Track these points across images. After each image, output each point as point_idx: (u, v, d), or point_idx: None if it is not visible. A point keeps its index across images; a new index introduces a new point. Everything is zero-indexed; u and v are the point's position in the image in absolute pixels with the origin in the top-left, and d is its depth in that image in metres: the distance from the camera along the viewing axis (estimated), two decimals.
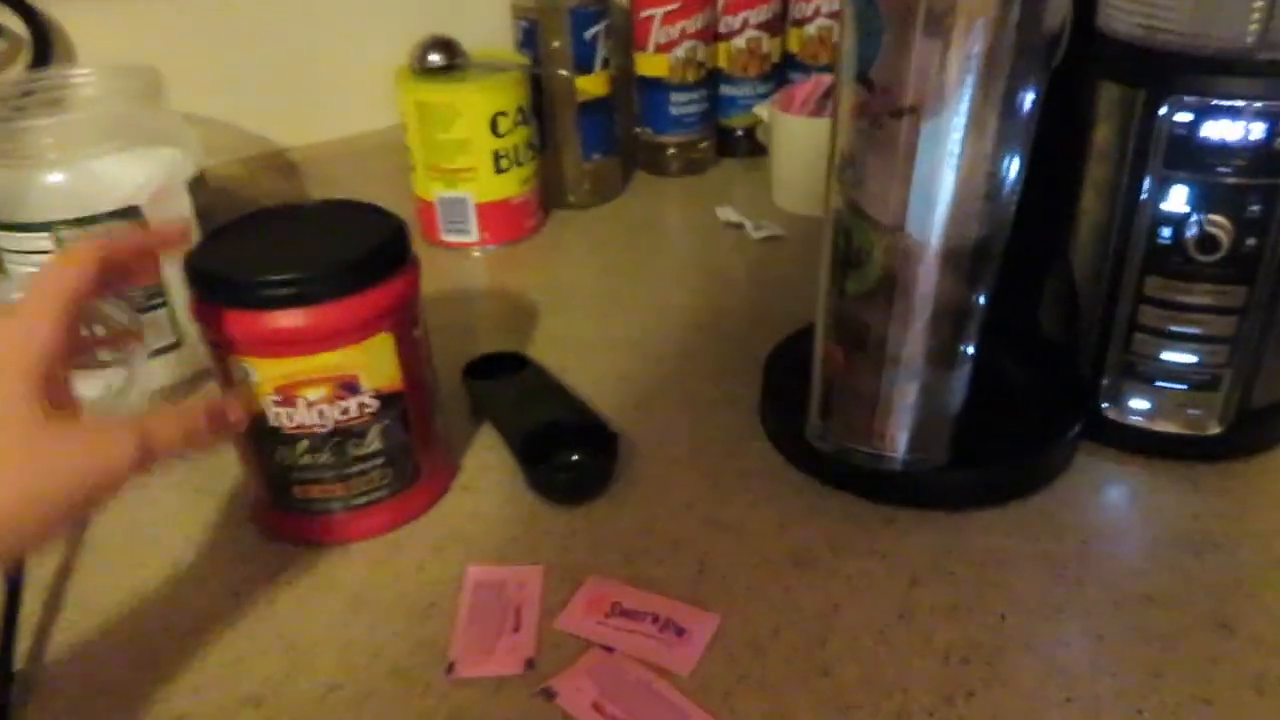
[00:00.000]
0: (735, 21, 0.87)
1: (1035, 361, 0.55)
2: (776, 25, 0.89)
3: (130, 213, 0.58)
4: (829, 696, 0.40)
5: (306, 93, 0.81)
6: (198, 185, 0.63)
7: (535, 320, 0.68)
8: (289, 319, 0.43)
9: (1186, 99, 0.44)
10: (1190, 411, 0.50)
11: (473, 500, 0.52)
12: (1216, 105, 0.43)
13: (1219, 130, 0.44)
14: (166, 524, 0.51)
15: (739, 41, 0.88)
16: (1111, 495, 0.50)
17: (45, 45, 0.69)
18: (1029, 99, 0.42)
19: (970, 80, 0.41)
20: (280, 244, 0.46)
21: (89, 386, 0.58)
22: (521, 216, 0.80)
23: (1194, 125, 0.44)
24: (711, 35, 0.87)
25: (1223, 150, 0.44)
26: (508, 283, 0.74)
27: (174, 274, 0.60)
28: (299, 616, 0.45)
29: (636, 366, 0.62)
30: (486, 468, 0.54)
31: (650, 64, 0.86)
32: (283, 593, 0.46)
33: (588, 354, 0.64)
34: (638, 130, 0.91)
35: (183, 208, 0.61)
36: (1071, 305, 0.52)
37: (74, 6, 0.70)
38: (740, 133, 0.93)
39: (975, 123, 0.42)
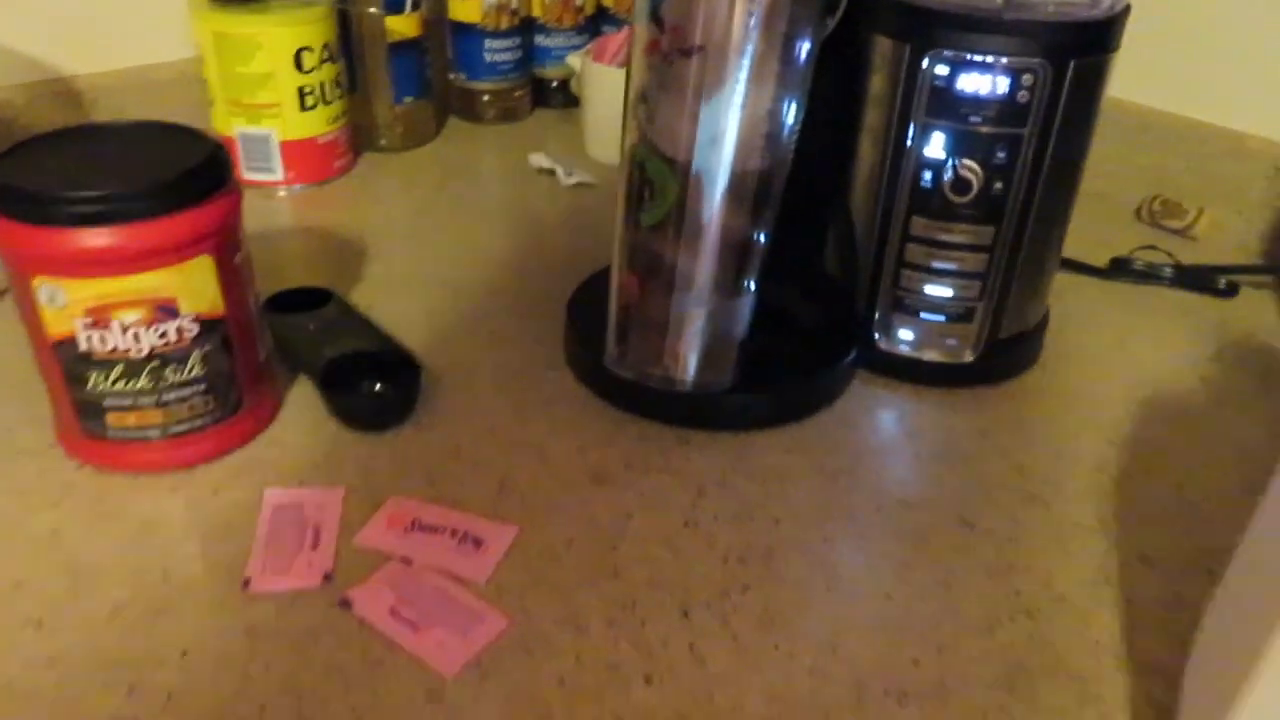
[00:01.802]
0: None
1: (818, 297, 0.59)
2: None
3: None
4: (617, 595, 0.42)
5: (94, 17, 0.76)
6: None
7: (342, 260, 0.68)
8: (100, 237, 0.41)
9: (945, 53, 0.49)
10: (949, 341, 0.56)
11: (273, 430, 0.51)
12: (970, 60, 0.48)
13: (972, 83, 0.49)
14: None
15: None
16: (881, 416, 0.55)
17: None
18: (805, 48, 0.46)
19: (753, 25, 0.44)
20: (90, 162, 0.44)
21: None
22: (329, 156, 0.78)
23: (951, 77, 0.49)
24: None
25: (975, 101, 0.49)
26: (314, 222, 0.73)
27: None
28: (86, 541, 0.44)
29: (444, 304, 0.63)
30: (290, 401, 0.53)
31: (463, 8, 0.86)
32: (68, 520, 0.45)
33: (395, 292, 0.64)
34: (452, 76, 0.91)
35: None
36: (849, 245, 0.57)
37: None
38: (555, 84, 0.94)
39: (757, 65, 0.45)
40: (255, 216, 0.73)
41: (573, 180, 0.79)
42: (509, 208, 0.77)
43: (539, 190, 0.79)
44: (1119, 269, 0.69)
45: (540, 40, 0.92)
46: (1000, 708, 0.38)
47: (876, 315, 0.56)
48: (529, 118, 0.94)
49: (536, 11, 0.90)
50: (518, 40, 0.89)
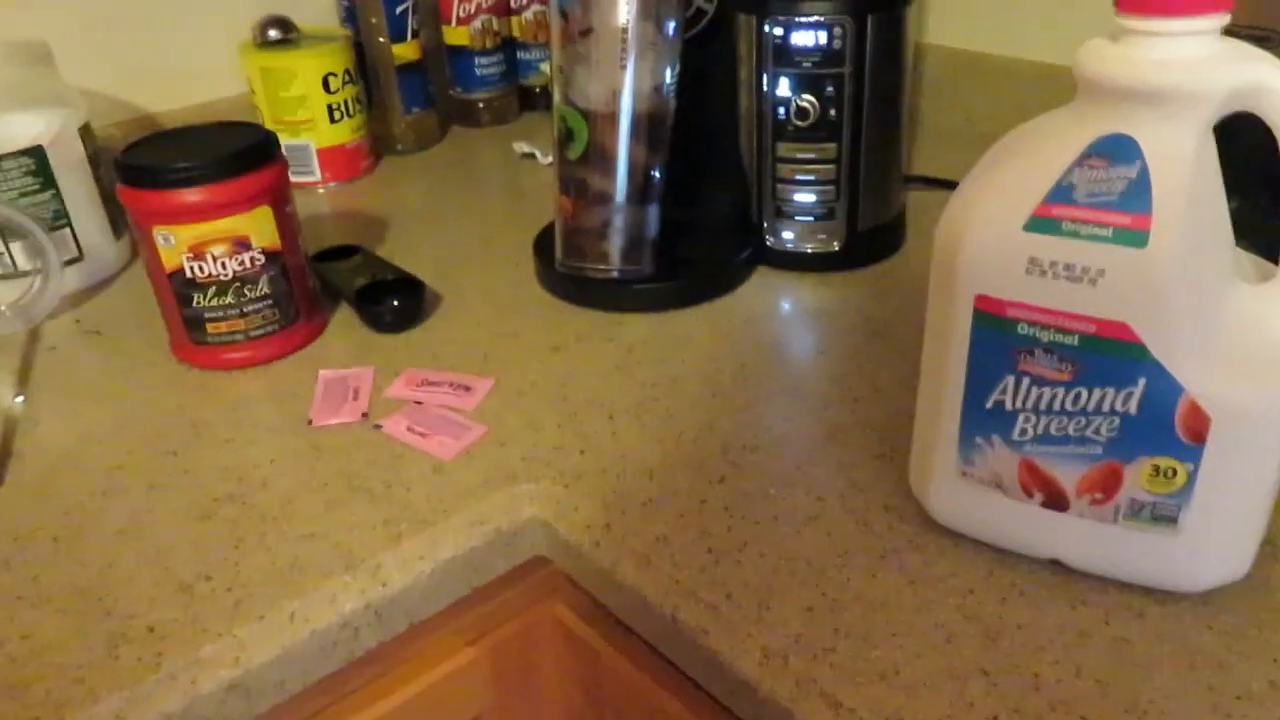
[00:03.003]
0: None
1: (722, 211, 0.77)
2: None
3: (35, 152, 0.75)
4: (564, 409, 0.61)
5: (168, 67, 0.98)
6: (87, 133, 0.80)
7: (369, 230, 0.88)
8: (195, 195, 0.62)
9: (779, 18, 0.67)
10: (819, 236, 0.73)
11: (323, 337, 0.71)
12: (797, 21, 0.67)
13: (800, 38, 0.67)
14: (97, 365, 0.69)
15: (528, 14, 1.09)
16: (770, 296, 0.73)
17: None
18: (673, 23, 0.65)
19: (630, 11, 0.63)
20: (183, 148, 0.65)
21: (12, 290, 0.76)
22: (356, 159, 0.99)
23: (785, 36, 0.67)
24: (504, 9, 1.08)
25: (804, 51, 0.67)
26: (347, 209, 0.93)
27: (75, 200, 0.78)
28: (201, 410, 0.64)
29: (446, 252, 0.82)
30: (334, 321, 0.73)
31: (455, 34, 1.07)
32: (189, 400, 0.65)
33: (409, 247, 0.84)
34: (452, 90, 1.11)
35: (78, 149, 0.78)
36: (740, 169, 0.75)
37: None
38: (538, 90, 1.14)
39: (638, 39, 0.64)
40: (302, 209, 0.93)
41: (548, 160, 0.99)
42: (498, 185, 0.97)
43: (523, 170, 0.99)
44: None
45: (521, 55, 1.12)
46: (821, 449, 0.56)
47: (764, 221, 0.74)
48: (517, 119, 1.13)
49: (516, 32, 1.10)
50: (502, 56, 1.09)
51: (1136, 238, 0.37)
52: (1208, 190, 0.39)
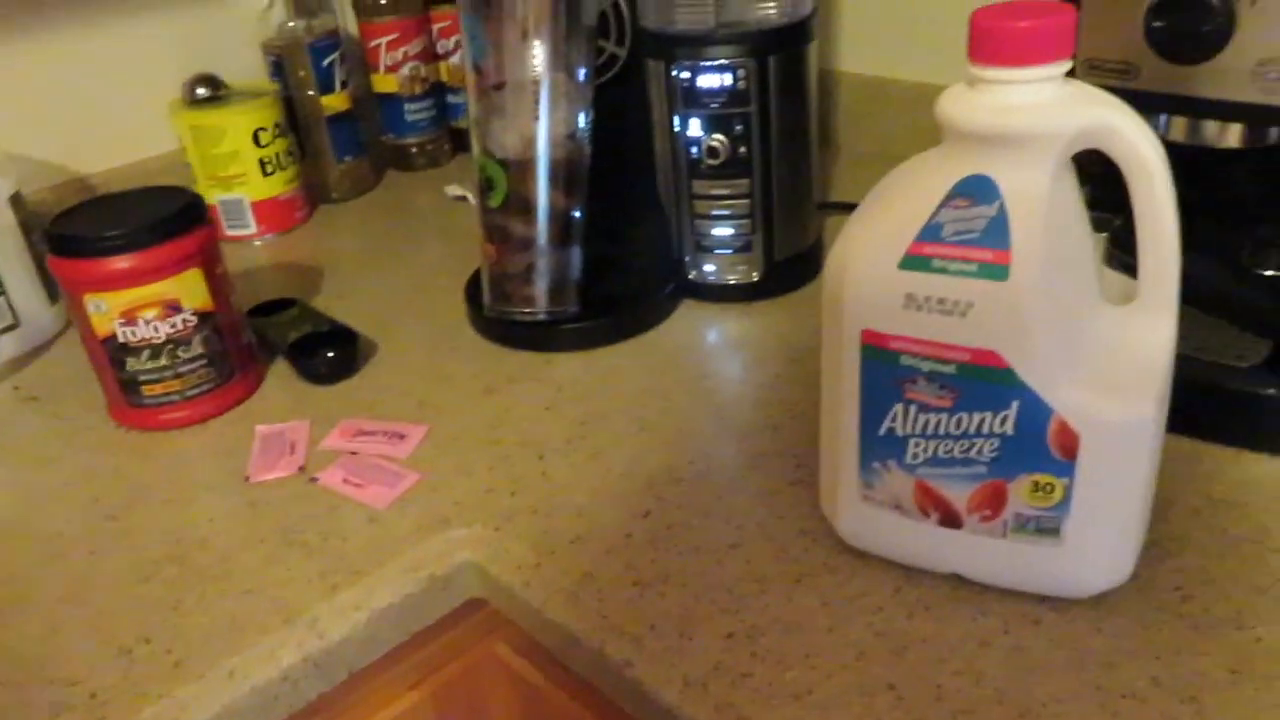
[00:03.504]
0: (449, 44, 1.11)
1: (643, 246, 0.80)
2: None
3: None
4: (495, 453, 0.63)
5: (97, 127, 0.99)
6: (17, 201, 0.81)
7: (305, 282, 0.89)
8: (125, 262, 0.63)
9: (685, 63, 0.70)
10: (739, 268, 0.76)
11: (259, 392, 0.72)
12: (702, 65, 0.69)
13: (706, 80, 0.70)
14: (35, 430, 0.70)
15: (454, 60, 1.11)
16: (695, 327, 0.75)
17: None
18: (583, 71, 0.67)
19: (539, 64, 0.66)
20: (112, 215, 0.66)
21: None
22: (290, 210, 1.00)
23: (692, 79, 0.70)
24: (431, 55, 1.10)
25: (711, 93, 0.70)
26: (283, 261, 0.95)
27: (8, 267, 0.79)
28: (139, 472, 0.65)
29: (382, 301, 0.84)
30: (270, 375, 0.74)
31: (384, 82, 1.09)
32: (125, 462, 0.66)
33: (344, 296, 0.85)
34: (384, 136, 1.13)
35: (8, 217, 0.79)
36: (659, 207, 0.77)
37: None
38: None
39: (550, 88, 0.66)
40: (238, 262, 0.95)
41: None
42: (432, 229, 0.99)
43: (456, 212, 1.01)
44: None
45: (451, 98, 1.14)
46: (743, 478, 0.58)
47: (686, 255, 0.77)
48: (451, 161, 1.15)
49: (445, 76, 1.13)
50: (432, 101, 1.11)
51: (998, 271, 0.40)
52: (1066, 221, 0.42)
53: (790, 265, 0.77)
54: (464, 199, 1.02)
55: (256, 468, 0.64)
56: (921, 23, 0.99)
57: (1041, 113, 0.40)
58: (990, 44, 0.40)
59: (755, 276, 0.76)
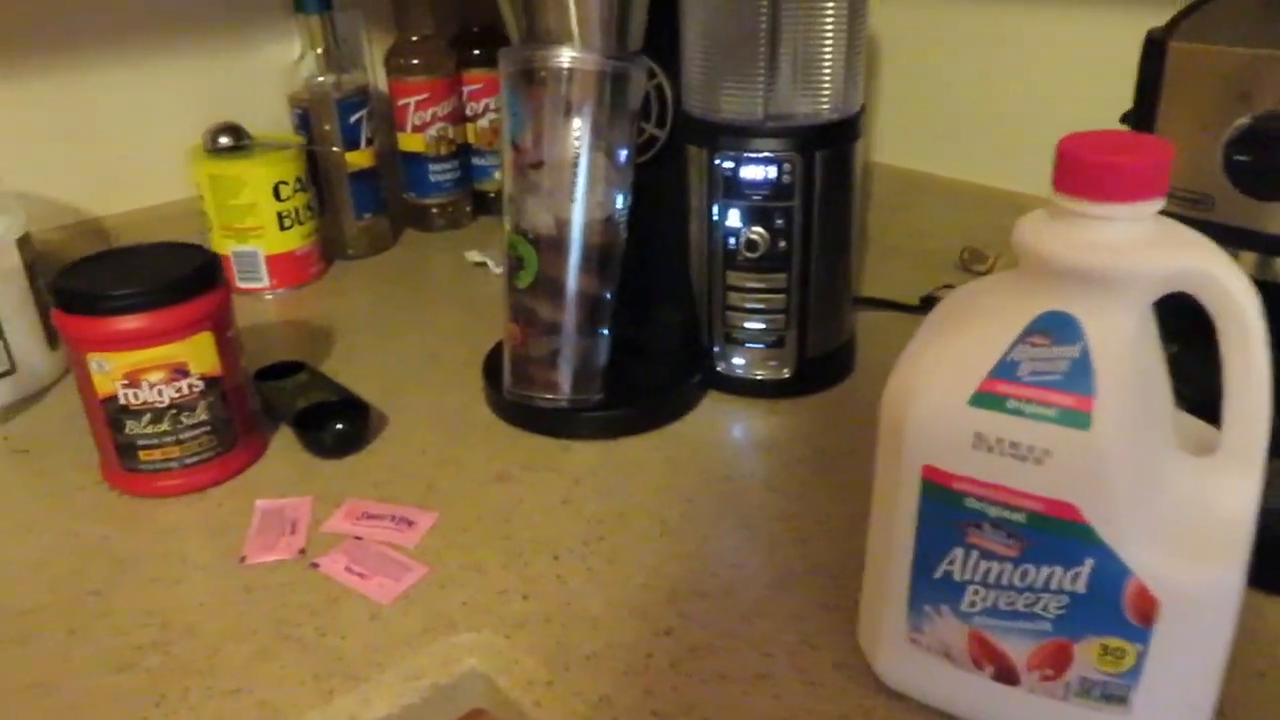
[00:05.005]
0: (479, 106, 1.09)
1: (671, 335, 0.77)
2: None
3: None
4: (508, 549, 0.59)
5: (114, 170, 0.97)
6: (24, 244, 0.78)
7: (315, 342, 0.86)
8: (133, 322, 0.60)
9: (729, 153, 0.68)
10: (770, 363, 0.73)
11: (262, 462, 0.69)
12: (747, 156, 0.67)
13: (750, 172, 0.68)
14: (21, 488, 0.66)
15: (482, 123, 1.10)
16: (720, 421, 0.72)
17: None
18: (624, 152, 0.65)
19: (580, 144, 0.63)
20: (123, 272, 0.63)
21: None
22: (305, 265, 0.98)
23: (735, 169, 0.68)
24: (459, 117, 1.09)
25: (754, 184, 0.68)
26: (295, 317, 0.92)
27: (9, 312, 0.76)
28: (127, 542, 0.61)
29: (393, 369, 0.81)
30: (274, 443, 0.71)
31: (410, 141, 1.07)
32: (114, 530, 0.62)
33: (355, 361, 0.82)
34: (405, 195, 1.11)
35: (14, 259, 0.76)
36: (689, 290, 0.75)
37: None
38: (493, 195, 1.14)
39: (588, 169, 0.64)
40: (248, 315, 0.92)
41: (500, 269, 0.98)
42: (449, 294, 0.96)
43: (474, 279, 0.98)
44: (927, 305, 0.87)
45: (476, 161, 1.12)
46: (771, 598, 0.55)
47: (714, 346, 0.74)
48: (472, 224, 1.13)
49: (471, 138, 1.11)
50: (457, 163, 1.10)
51: (1080, 419, 0.37)
52: (1149, 366, 0.40)
53: (822, 363, 0.74)
54: (484, 265, 1.00)
55: (253, 548, 0.60)
56: (959, 120, 0.98)
57: (1133, 252, 0.38)
58: (1082, 176, 0.37)
59: (786, 373, 0.73)
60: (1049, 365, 0.38)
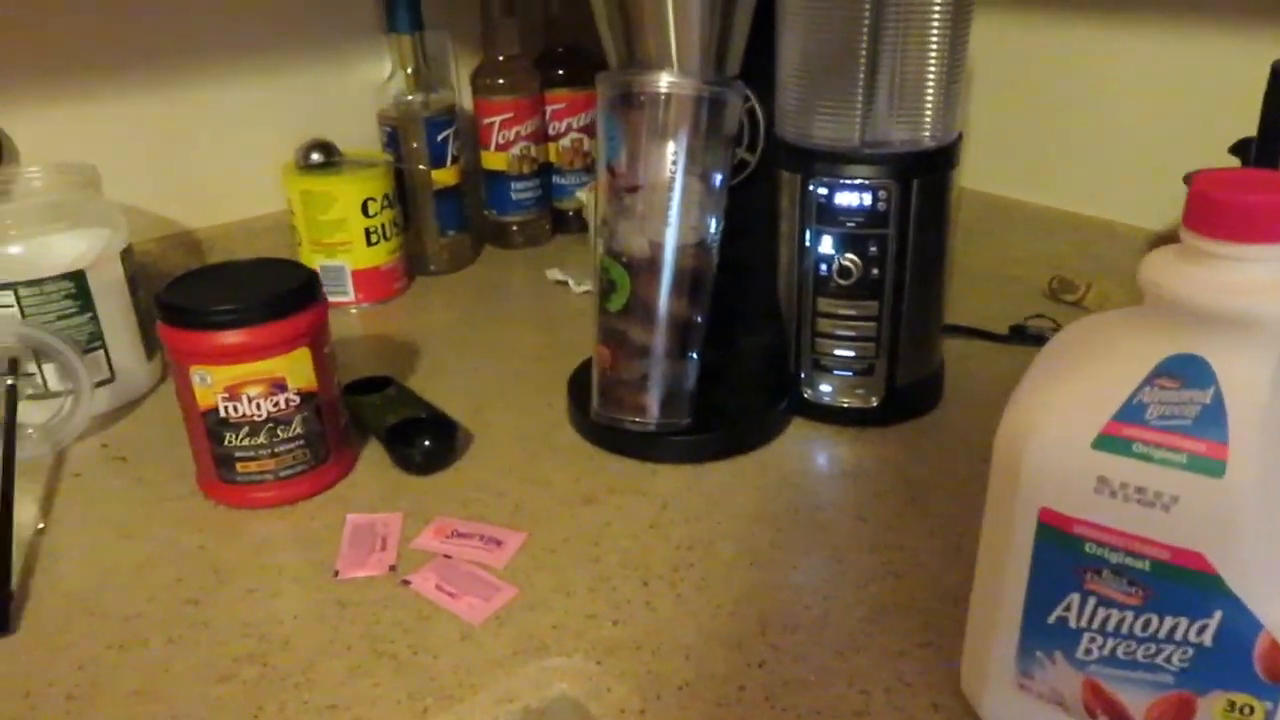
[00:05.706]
0: (561, 126, 1.10)
1: (758, 360, 0.77)
2: (594, 129, 1.12)
3: (75, 276, 0.75)
4: (597, 572, 0.59)
5: (209, 184, 0.99)
6: (127, 255, 0.80)
7: (400, 356, 0.87)
8: (236, 337, 0.61)
9: (824, 179, 0.67)
10: (858, 391, 0.72)
11: (352, 476, 0.70)
12: (842, 182, 0.67)
13: (845, 199, 0.67)
14: (121, 495, 0.68)
15: (565, 142, 1.11)
16: (806, 449, 0.71)
17: None
18: (719, 177, 0.65)
19: (677, 168, 0.63)
20: (226, 287, 0.64)
21: (42, 411, 0.75)
22: (390, 280, 0.99)
23: (830, 196, 0.67)
24: (542, 136, 1.10)
25: (848, 211, 0.67)
26: (379, 331, 0.93)
27: (111, 322, 0.78)
28: (223, 552, 0.62)
29: (478, 386, 0.82)
30: (363, 457, 0.72)
31: (493, 160, 1.08)
32: (211, 540, 0.63)
33: (441, 377, 0.83)
34: (486, 212, 1.12)
35: (117, 272, 0.79)
36: (778, 320, 0.74)
37: (20, 118, 0.88)
38: (572, 213, 1.15)
39: (684, 194, 0.64)
40: (334, 329, 0.93)
41: (582, 288, 0.99)
42: (531, 312, 0.97)
43: (555, 297, 0.99)
44: (1016, 334, 0.85)
45: (557, 179, 1.13)
46: (865, 633, 0.54)
47: (802, 373, 0.73)
48: (550, 242, 1.14)
49: (553, 157, 1.12)
50: (538, 181, 1.11)
51: (1213, 466, 0.36)
52: None
53: (911, 392, 0.73)
54: (565, 284, 1.00)
55: (346, 562, 0.61)
56: (1049, 148, 0.96)
57: (1269, 294, 0.36)
58: (1218, 216, 0.36)
59: (874, 401, 0.72)
60: (1178, 409, 0.37)
